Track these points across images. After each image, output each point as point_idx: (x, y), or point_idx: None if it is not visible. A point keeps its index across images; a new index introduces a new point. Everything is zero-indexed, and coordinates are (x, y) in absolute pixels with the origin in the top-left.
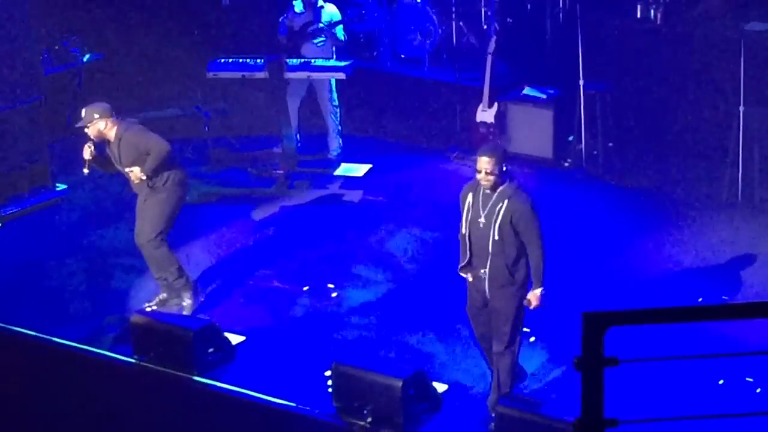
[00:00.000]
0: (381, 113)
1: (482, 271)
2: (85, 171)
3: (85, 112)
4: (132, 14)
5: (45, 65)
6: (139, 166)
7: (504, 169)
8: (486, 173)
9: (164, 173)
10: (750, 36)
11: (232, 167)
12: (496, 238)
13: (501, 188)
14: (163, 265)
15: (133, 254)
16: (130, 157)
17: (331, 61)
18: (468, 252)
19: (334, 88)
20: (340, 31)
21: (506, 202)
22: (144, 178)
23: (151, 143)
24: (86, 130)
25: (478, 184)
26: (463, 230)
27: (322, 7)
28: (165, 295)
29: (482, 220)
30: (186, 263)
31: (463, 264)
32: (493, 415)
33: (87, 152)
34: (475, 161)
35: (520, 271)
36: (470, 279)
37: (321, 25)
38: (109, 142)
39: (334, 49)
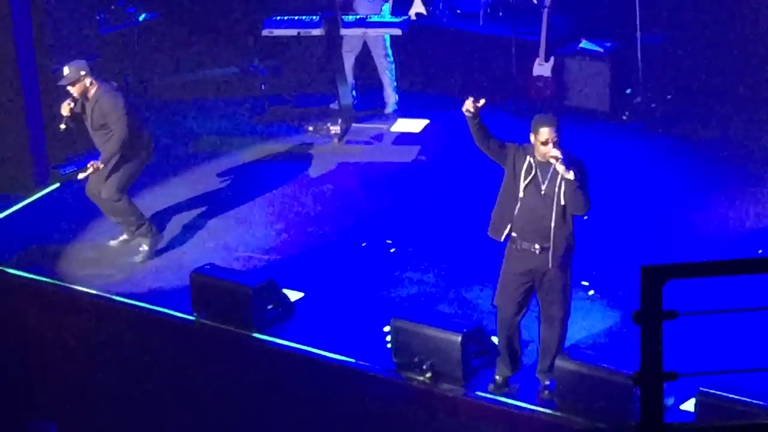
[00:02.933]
0: (437, 69)
1: (537, 246)
2: (62, 127)
3: (69, 69)
4: None
5: (101, 25)
6: (99, 133)
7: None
8: (553, 144)
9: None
10: None
11: (289, 124)
12: (561, 209)
13: (556, 154)
14: (123, 215)
15: (193, 212)
16: (97, 122)
17: (386, 16)
18: (514, 218)
19: (388, 44)
20: None
21: (572, 165)
22: (102, 167)
23: (116, 125)
24: (69, 87)
25: (533, 150)
26: (521, 194)
27: None
28: (126, 236)
29: (544, 189)
30: (243, 221)
31: (506, 230)
32: (546, 382)
33: (66, 109)
34: (536, 131)
35: (572, 240)
36: (513, 246)
37: None
38: (86, 101)
39: (387, 3)
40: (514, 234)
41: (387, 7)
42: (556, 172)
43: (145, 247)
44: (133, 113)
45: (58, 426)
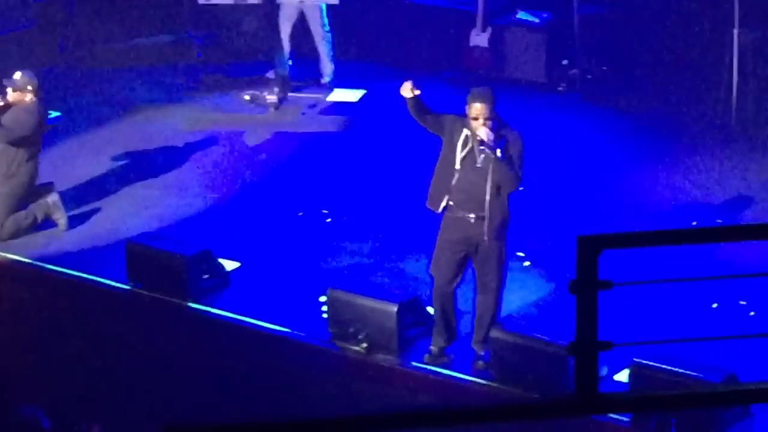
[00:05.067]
0: (374, 38)
1: (472, 215)
2: None
3: (21, 77)
4: None
5: None
6: None
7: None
8: (484, 119)
9: None
10: None
11: (224, 93)
12: (496, 182)
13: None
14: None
15: (128, 181)
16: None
17: None
18: (451, 189)
19: (325, 14)
20: None
21: (510, 137)
22: None
23: (13, 127)
24: (9, 90)
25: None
26: (457, 165)
27: None
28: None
29: (479, 162)
30: (178, 190)
31: (444, 202)
32: (481, 352)
33: None
34: (469, 105)
35: (507, 211)
36: (449, 216)
37: None
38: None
39: None
40: (451, 203)
41: None
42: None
43: (60, 219)
44: (37, 138)
45: None
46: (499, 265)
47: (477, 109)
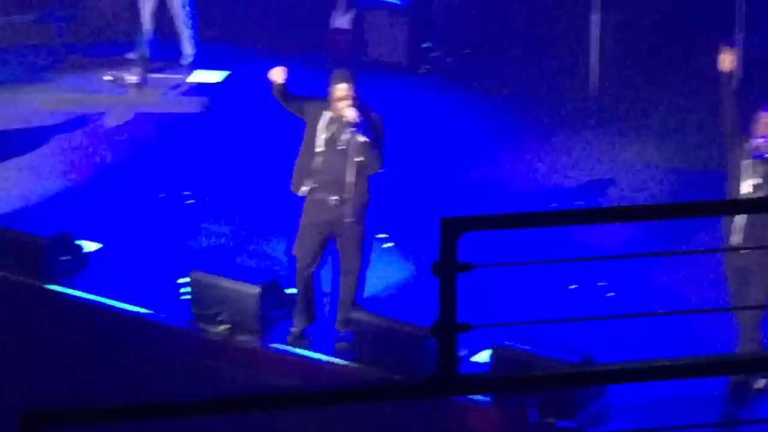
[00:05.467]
0: (237, 19)
1: (333, 198)
2: None
3: None
4: None
5: None
6: None
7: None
8: (347, 101)
9: None
10: None
11: (85, 74)
12: (358, 164)
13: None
14: None
15: None
16: None
17: None
18: (313, 171)
19: None
20: None
21: (367, 122)
22: None
23: None
24: None
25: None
26: (319, 149)
27: None
28: None
29: (342, 144)
30: (38, 171)
31: (308, 184)
32: (342, 334)
33: None
34: (332, 87)
35: (368, 193)
36: (311, 198)
37: None
38: None
39: None
40: (313, 186)
41: None
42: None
43: None
44: None
45: None
46: (360, 247)
47: (341, 89)
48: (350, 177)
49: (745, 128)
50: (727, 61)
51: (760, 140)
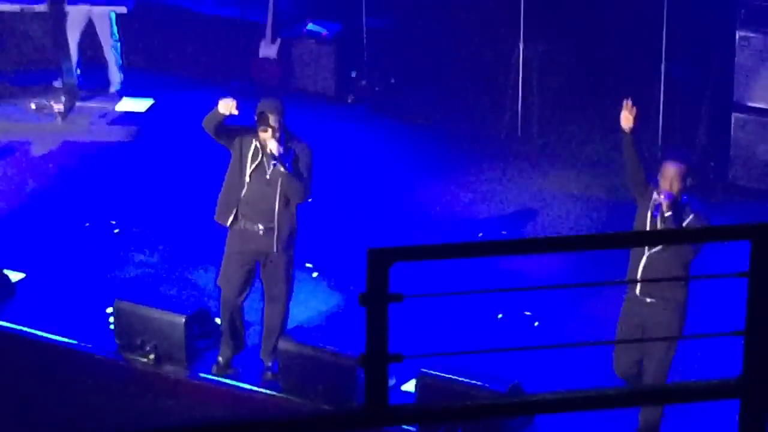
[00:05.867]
0: (164, 48)
1: (260, 227)
2: None
3: None
4: None
5: None
6: None
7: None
8: (273, 131)
9: None
10: None
11: (10, 102)
12: (285, 193)
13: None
14: None
15: None
16: None
17: None
18: (240, 200)
19: (114, 22)
20: None
21: (296, 149)
22: None
23: None
24: None
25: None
26: (247, 178)
27: None
28: None
29: (269, 174)
30: None
31: (232, 216)
32: (269, 363)
33: None
34: (258, 116)
35: (295, 222)
36: (237, 227)
37: None
38: None
39: None
40: (240, 215)
41: None
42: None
43: None
44: None
45: None
46: (286, 276)
47: (265, 120)
48: (278, 206)
49: (653, 179)
50: (625, 119)
51: (662, 197)
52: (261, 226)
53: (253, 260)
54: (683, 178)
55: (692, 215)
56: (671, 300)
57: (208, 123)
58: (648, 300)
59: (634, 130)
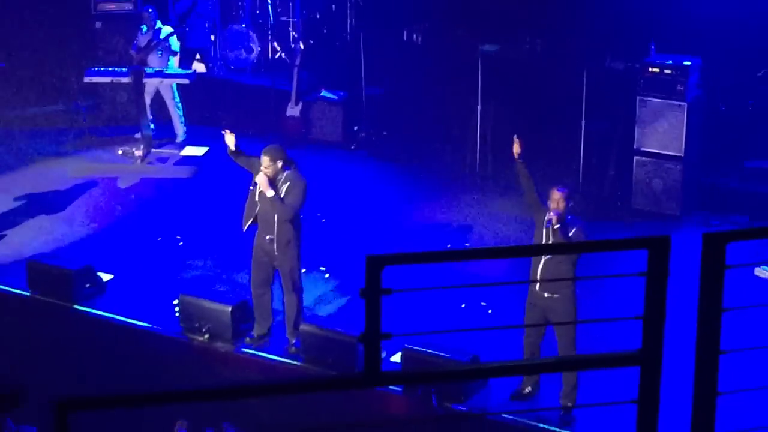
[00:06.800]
0: (215, 109)
1: (268, 237)
2: None
3: None
4: (25, 28)
5: None
6: None
7: (284, 161)
8: (264, 168)
9: None
10: (484, 54)
11: (103, 149)
12: (280, 211)
13: (283, 174)
14: None
15: (29, 214)
16: None
17: (178, 69)
18: (257, 216)
19: (176, 90)
20: (173, 42)
21: (287, 183)
22: None
23: None
24: None
25: None
26: (256, 198)
27: (160, 28)
28: None
29: (270, 196)
30: (68, 220)
31: (248, 223)
32: (293, 341)
33: None
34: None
35: (297, 229)
36: (257, 238)
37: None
38: None
39: (172, 58)
40: (258, 227)
41: (173, 61)
42: (280, 184)
43: None
44: None
45: None
46: (292, 273)
47: (262, 161)
48: (276, 220)
49: (544, 201)
50: (515, 149)
51: (551, 214)
52: (269, 237)
53: (267, 262)
54: (567, 200)
55: (575, 228)
56: (564, 293)
57: (228, 152)
58: (546, 294)
59: (521, 156)
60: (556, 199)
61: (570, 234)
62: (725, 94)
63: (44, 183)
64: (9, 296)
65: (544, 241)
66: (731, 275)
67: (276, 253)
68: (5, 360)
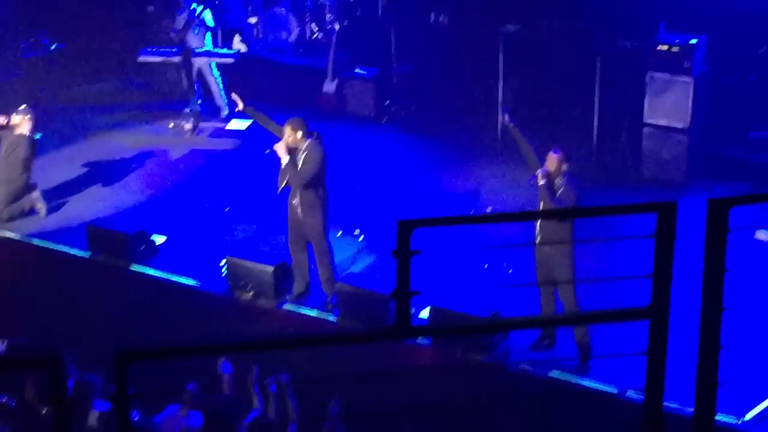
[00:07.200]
0: (257, 85)
1: (294, 201)
2: None
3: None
4: (79, 11)
5: (24, 51)
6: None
7: (303, 132)
8: (286, 136)
9: None
10: (506, 34)
11: (155, 122)
12: (293, 177)
13: (304, 144)
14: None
15: (88, 182)
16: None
17: (223, 50)
18: (286, 180)
19: (215, 67)
20: (207, 19)
21: (305, 153)
22: None
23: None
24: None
25: None
26: (283, 165)
27: (194, 9)
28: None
29: (284, 163)
30: (126, 188)
31: (281, 186)
32: (329, 298)
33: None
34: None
35: (320, 194)
36: (289, 200)
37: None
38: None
39: (208, 34)
40: (290, 191)
41: (209, 37)
42: (301, 152)
43: (41, 208)
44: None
45: None
46: (319, 236)
47: (284, 131)
48: (298, 187)
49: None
50: (505, 119)
51: (539, 171)
52: (294, 200)
53: (296, 226)
54: (560, 162)
55: (563, 188)
56: (562, 249)
57: (262, 124)
58: (546, 248)
59: (512, 121)
60: (550, 159)
61: (558, 192)
62: (729, 69)
63: (102, 154)
64: (72, 257)
65: (539, 199)
66: (733, 238)
67: (301, 217)
68: (67, 314)
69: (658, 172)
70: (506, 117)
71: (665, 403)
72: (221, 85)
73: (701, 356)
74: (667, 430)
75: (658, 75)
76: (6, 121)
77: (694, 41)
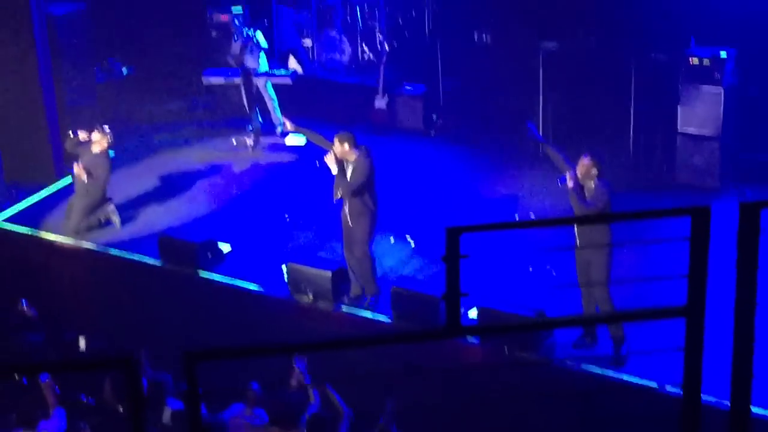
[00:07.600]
0: (313, 104)
1: (345, 209)
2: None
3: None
4: (147, 37)
5: (96, 76)
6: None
7: (350, 144)
8: (334, 149)
9: None
10: (545, 50)
11: (219, 139)
12: (342, 186)
13: (353, 156)
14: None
15: (159, 195)
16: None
17: (281, 70)
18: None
19: (270, 87)
20: (261, 39)
21: (353, 164)
22: None
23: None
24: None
25: None
26: (335, 174)
27: (248, 34)
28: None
29: (347, 174)
30: (193, 200)
31: (337, 197)
32: (369, 298)
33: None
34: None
35: (367, 203)
36: (342, 208)
37: (251, 35)
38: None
39: (262, 53)
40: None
41: (263, 57)
42: (350, 164)
43: (116, 220)
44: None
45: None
46: (362, 242)
47: (334, 144)
48: (348, 195)
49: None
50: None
51: (571, 173)
52: (346, 208)
53: (347, 232)
54: (589, 167)
55: (594, 190)
56: (600, 252)
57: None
58: (585, 249)
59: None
60: (581, 164)
61: (588, 196)
62: (757, 80)
63: (171, 169)
64: (145, 265)
65: (570, 201)
66: (765, 238)
67: (351, 224)
68: (141, 318)
69: (691, 178)
70: (534, 132)
71: (702, 397)
72: (276, 103)
73: (736, 351)
74: (704, 423)
75: (690, 86)
76: (87, 137)
77: (723, 54)
